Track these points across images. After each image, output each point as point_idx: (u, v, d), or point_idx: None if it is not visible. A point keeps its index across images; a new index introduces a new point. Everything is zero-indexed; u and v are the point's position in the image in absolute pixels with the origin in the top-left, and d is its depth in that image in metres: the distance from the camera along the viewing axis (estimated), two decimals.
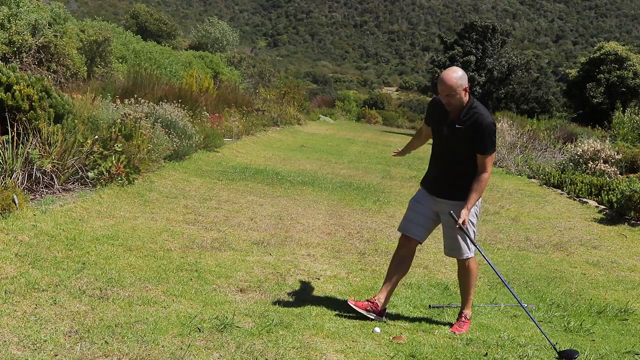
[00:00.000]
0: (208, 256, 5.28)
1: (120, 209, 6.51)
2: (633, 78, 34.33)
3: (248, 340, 3.59)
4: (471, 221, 4.13)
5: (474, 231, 4.20)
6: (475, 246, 4.18)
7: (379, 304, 4.16)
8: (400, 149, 4.74)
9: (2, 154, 6.10)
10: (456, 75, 3.93)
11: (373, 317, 4.13)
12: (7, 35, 14.36)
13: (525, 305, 4.87)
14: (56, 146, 6.63)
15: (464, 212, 3.99)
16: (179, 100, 12.76)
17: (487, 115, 4.01)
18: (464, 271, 4.25)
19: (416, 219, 4.24)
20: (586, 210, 9.66)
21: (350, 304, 4.14)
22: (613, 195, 9.33)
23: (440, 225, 4.29)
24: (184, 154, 10.60)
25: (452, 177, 4.12)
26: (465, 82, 3.94)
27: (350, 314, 4.24)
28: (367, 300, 4.20)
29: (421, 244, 4.34)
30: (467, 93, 3.97)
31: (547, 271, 6.07)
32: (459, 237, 4.13)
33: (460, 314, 4.29)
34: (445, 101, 3.99)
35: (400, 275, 4.30)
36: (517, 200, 10.28)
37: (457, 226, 4.00)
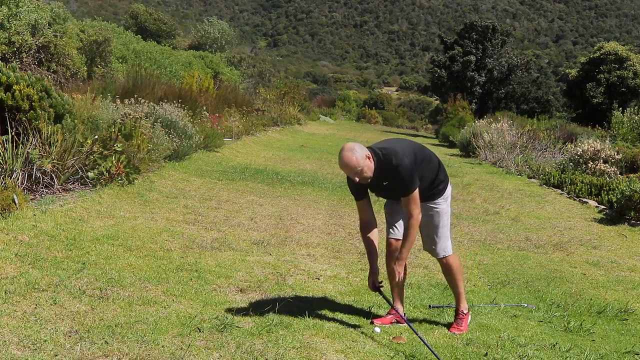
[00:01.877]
0: (208, 256, 5.28)
1: (120, 209, 6.51)
2: (633, 78, 34.33)
3: (248, 340, 3.59)
4: (442, 217, 4.11)
5: (448, 226, 4.18)
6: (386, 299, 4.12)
7: (399, 312, 4.14)
8: (372, 273, 4.11)
9: (2, 154, 6.10)
10: (354, 154, 3.74)
11: (408, 324, 4.05)
12: (7, 35, 14.36)
13: (526, 305, 4.88)
14: (56, 146, 6.63)
15: (397, 267, 3.98)
16: (179, 100, 12.77)
17: (393, 161, 3.83)
18: (446, 269, 4.26)
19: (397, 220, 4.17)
20: (586, 210, 9.66)
21: (377, 324, 4.08)
22: (613, 195, 9.33)
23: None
24: (184, 154, 10.60)
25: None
26: (364, 152, 3.78)
27: (350, 314, 4.24)
28: (389, 314, 4.20)
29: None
30: (370, 158, 3.80)
31: (547, 271, 6.07)
32: (434, 235, 4.13)
33: (456, 312, 4.28)
34: (357, 179, 3.81)
35: (403, 279, 4.26)
36: (517, 200, 10.28)
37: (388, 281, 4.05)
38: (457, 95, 32.58)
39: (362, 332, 3.95)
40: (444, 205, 4.13)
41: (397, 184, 3.87)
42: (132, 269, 4.64)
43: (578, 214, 9.41)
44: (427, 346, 3.68)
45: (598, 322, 4.66)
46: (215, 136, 12.80)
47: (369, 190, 4.06)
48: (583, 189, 10.77)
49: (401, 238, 4.07)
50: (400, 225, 4.14)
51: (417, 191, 3.88)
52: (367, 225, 4.09)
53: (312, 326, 3.92)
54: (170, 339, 3.48)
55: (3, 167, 6.09)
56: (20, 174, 6.13)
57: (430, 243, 4.19)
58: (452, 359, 3.70)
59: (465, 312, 4.26)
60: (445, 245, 4.17)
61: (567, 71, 45.07)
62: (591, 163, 12.26)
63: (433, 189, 4.08)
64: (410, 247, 3.96)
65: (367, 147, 3.91)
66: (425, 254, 6.14)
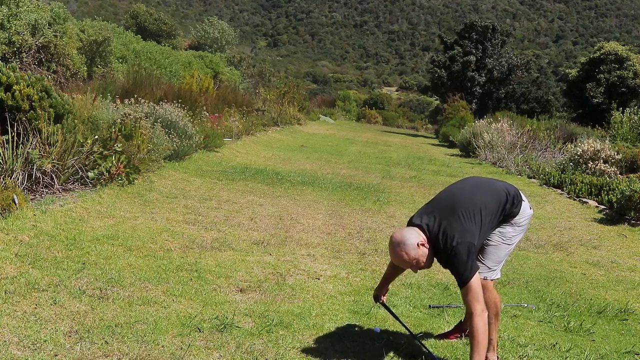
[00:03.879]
0: (208, 256, 5.28)
1: (120, 209, 6.51)
2: (633, 78, 34.32)
3: (248, 340, 3.59)
4: (500, 238, 3.62)
5: (504, 252, 3.65)
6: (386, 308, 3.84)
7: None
8: (380, 288, 3.84)
9: (2, 154, 6.10)
10: (403, 248, 3.29)
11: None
12: (7, 35, 14.36)
13: (526, 305, 4.88)
14: (56, 146, 6.63)
15: None
16: (179, 100, 12.78)
17: (448, 244, 3.29)
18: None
19: None
20: (586, 210, 9.66)
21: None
22: (613, 195, 9.33)
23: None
24: (184, 154, 10.60)
25: None
26: (415, 240, 3.29)
27: (350, 314, 4.24)
28: (456, 330, 4.04)
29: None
30: (423, 245, 3.31)
31: (547, 271, 6.07)
32: (483, 251, 3.61)
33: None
34: (415, 270, 3.40)
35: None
36: None
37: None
38: (456, 95, 32.58)
39: (362, 332, 3.95)
40: (508, 228, 3.61)
41: (449, 268, 3.36)
42: (132, 269, 4.64)
43: (578, 214, 9.41)
44: None
45: (598, 322, 4.66)
46: (215, 136, 12.80)
47: None
48: (583, 189, 10.77)
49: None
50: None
51: (476, 279, 3.26)
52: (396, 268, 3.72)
53: (312, 326, 3.92)
54: (170, 339, 3.48)
55: (3, 167, 6.09)
56: (20, 174, 6.13)
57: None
58: (452, 359, 3.70)
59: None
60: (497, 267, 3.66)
61: (567, 71, 45.08)
62: (591, 163, 12.26)
63: (498, 226, 3.59)
64: (481, 351, 3.22)
65: (417, 225, 3.37)
66: None
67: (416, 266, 3.33)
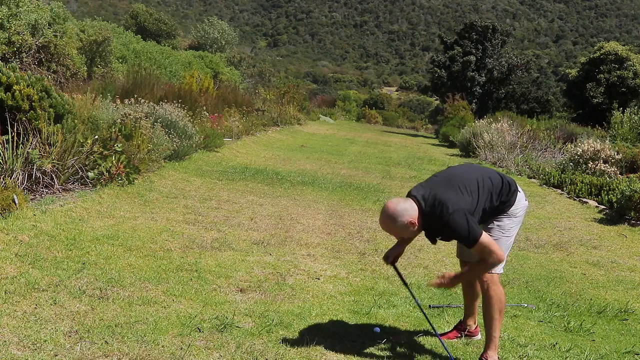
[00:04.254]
0: (208, 256, 5.28)
1: (120, 209, 6.51)
2: (633, 78, 34.31)
3: (248, 340, 3.59)
4: (500, 231, 3.66)
5: (506, 245, 3.69)
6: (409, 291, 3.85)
7: (470, 329, 4.02)
8: (394, 249, 3.76)
9: (2, 154, 6.10)
10: (393, 221, 3.37)
11: (478, 338, 3.98)
12: (7, 35, 14.36)
13: (526, 305, 4.88)
14: (56, 146, 6.63)
15: (447, 280, 3.54)
16: (179, 100, 12.77)
17: (444, 213, 3.33)
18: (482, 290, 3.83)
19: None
20: (586, 210, 9.65)
21: (443, 339, 3.82)
22: (613, 195, 9.33)
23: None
24: (184, 154, 10.60)
25: None
26: (406, 219, 3.35)
27: (350, 314, 4.24)
28: (456, 329, 4.04)
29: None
30: (413, 224, 3.38)
31: (547, 271, 6.07)
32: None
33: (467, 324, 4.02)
34: (400, 240, 3.57)
35: (475, 297, 3.97)
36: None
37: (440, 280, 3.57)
38: (456, 95, 32.57)
39: (362, 332, 3.95)
40: (505, 220, 3.66)
41: (453, 238, 3.46)
42: (132, 269, 4.64)
43: (578, 214, 9.41)
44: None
45: (598, 322, 4.66)
46: (215, 136, 12.80)
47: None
48: (583, 189, 10.77)
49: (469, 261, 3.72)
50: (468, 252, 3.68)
51: (484, 235, 3.35)
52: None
53: (312, 326, 3.92)
54: (170, 339, 3.48)
55: (3, 167, 6.09)
56: (20, 174, 6.13)
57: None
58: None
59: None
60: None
61: (567, 71, 45.06)
62: (591, 163, 12.26)
63: (494, 214, 3.64)
64: (474, 276, 3.58)
65: (412, 196, 3.44)
66: (425, 253, 6.16)
67: (401, 239, 3.59)
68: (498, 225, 3.64)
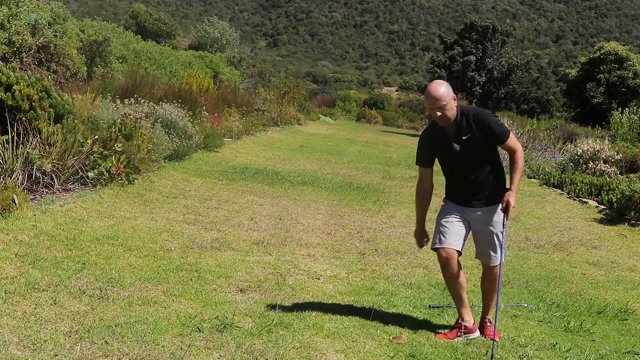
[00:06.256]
0: (208, 256, 5.28)
1: (120, 209, 6.51)
2: (633, 78, 34.30)
3: (248, 340, 3.59)
4: (502, 231, 4.04)
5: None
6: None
7: (468, 325, 4.06)
8: (419, 230, 4.23)
9: (2, 154, 6.10)
10: (442, 87, 3.91)
11: (474, 336, 4.05)
12: (7, 35, 14.36)
13: (526, 305, 4.88)
14: (56, 146, 6.64)
15: (512, 198, 3.91)
16: (179, 100, 12.77)
17: (478, 110, 4.07)
18: (491, 277, 4.12)
19: (451, 228, 4.03)
20: (586, 210, 9.65)
21: (442, 339, 3.97)
22: (613, 195, 9.33)
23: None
24: (184, 154, 10.60)
25: (483, 185, 4.02)
26: (452, 92, 3.92)
27: (350, 314, 4.24)
28: (456, 329, 4.08)
29: (460, 254, 4.03)
30: (456, 101, 3.96)
31: (547, 271, 6.07)
32: (496, 240, 4.06)
33: (486, 320, 4.19)
34: (439, 115, 3.87)
35: (464, 289, 4.09)
36: (517, 200, 10.23)
37: (506, 210, 3.93)
38: (456, 95, 32.55)
39: (362, 332, 3.95)
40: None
41: (483, 135, 3.92)
42: (132, 269, 4.64)
43: (578, 214, 9.41)
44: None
45: (598, 322, 4.66)
46: (215, 136, 12.80)
47: (443, 154, 4.08)
48: (583, 189, 10.77)
49: (451, 248, 3.99)
50: (452, 238, 4.00)
51: (512, 135, 4.03)
52: (426, 190, 4.17)
53: (312, 326, 3.92)
54: (170, 339, 3.48)
55: (3, 167, 6.09)
56: (20, 174, 6.13)
57: (488, 248, 4.10)
58: (452, 359, 3.70)
59: (492, 320, 4.19)
60: (501, 253, 4.08)
61: (567, 71, 45.04)
62: (591, 163, 12.26)
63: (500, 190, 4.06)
64: (520, 175, 4.04)
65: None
66: (425, 253, 6.15)
67: (442, 109, 3.86)
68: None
